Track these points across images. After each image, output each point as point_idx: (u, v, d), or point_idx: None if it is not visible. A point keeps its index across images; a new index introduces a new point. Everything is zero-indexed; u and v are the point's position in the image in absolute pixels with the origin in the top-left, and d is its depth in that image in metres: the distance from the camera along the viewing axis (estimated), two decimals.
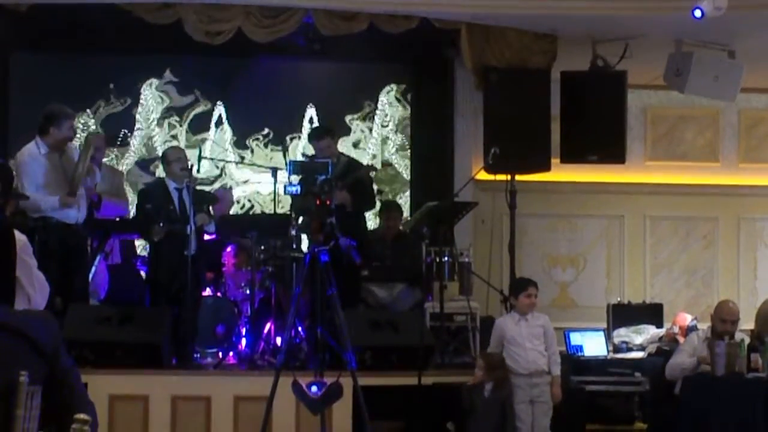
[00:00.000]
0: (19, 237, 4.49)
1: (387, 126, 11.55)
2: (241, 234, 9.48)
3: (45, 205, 8.25)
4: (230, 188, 11.16)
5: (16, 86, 10.78)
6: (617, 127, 9.69)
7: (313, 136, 9.46)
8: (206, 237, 9.21)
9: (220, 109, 11.30)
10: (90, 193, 8.76)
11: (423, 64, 11.21)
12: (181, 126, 11.27)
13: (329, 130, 9.68)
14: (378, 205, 10.28)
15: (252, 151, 11.29)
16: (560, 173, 10.22)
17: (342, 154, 9.78)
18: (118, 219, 9.55)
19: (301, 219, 8.89)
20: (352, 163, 9.58)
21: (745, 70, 9.64)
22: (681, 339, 8.95)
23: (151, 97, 11.22)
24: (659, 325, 9.77)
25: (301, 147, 11.11)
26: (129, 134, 11.17)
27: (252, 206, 11.39)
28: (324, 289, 6.73)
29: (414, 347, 8.28)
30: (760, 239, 11.72)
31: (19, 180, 8.34)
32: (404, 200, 11.35)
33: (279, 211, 10.04)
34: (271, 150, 11.22)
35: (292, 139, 11.27)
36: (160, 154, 9.80)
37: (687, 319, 9.36)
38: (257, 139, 11.30)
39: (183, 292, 8.70)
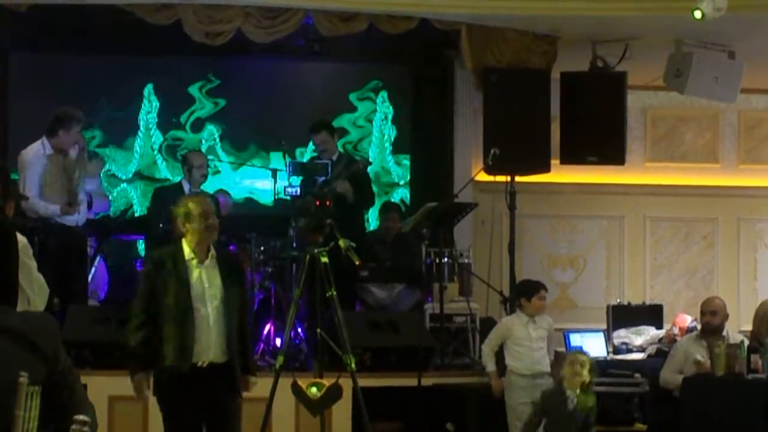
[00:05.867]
0: (19, 238, 4.48)
1: (386, 126, 11.55)
2: (241, 235, 9.48)
3: (46, 212, 8.27)
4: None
5: (16, 86, 10.78)
6: (617, 128, 9.69)
7: (311, 129, 9.52)
8: None
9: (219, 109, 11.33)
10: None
11: (423, 64, 11.21)
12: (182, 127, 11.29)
13: (326, 125, 9.72)
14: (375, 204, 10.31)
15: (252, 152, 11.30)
16: (560, 174, 10.22)
17: (341, 152, 9.79)
18: (112, 218, 9.59)
19: (300, 220, 8.89)
20: (351, 160, 9.60)
21: (745, 70, 9.64)
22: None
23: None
24: (659, 327, 9.77)
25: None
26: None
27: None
28: (323, 290, 6.73)
29: (414, 348, 8.29)
30: (760, 240, 11.72)
31: (22, 180, 8.35)
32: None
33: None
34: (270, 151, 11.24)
35: (291, 141, 11.26)
36: (180, 158, 9.87)
37: (687, 320, 9.36)
38: (257, 139, 11.31)
39: None
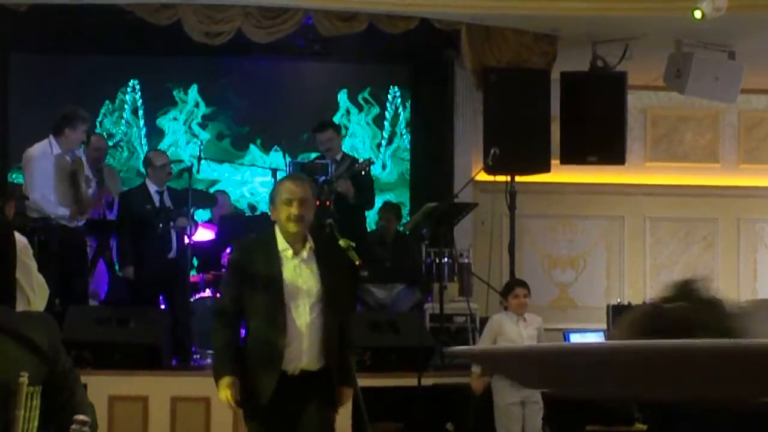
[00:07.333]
0: (20, 239, 4.49)
1: (386, 126, 11.56)
2: (240, 235, 9.48)
3: (54, 214, 8.27)
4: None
5: (16, 86, 10.78)
6: (617, 128, 9.69)
7: (316, 129, 9.52)
8: (197, 239, 9.26)
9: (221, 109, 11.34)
10: (105, 193, 8.81)
11: (423, 64, 11.21)
12: (183, 127, 11.29)
13: (332, 124, 9.74)
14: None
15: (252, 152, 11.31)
16: (560, 174, 10.21)
17: (345, 153, 9.80)
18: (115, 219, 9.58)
19: None
20: (354, 161, 9.61)
21: (745, 71, 9.64)
22: None
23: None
24: None
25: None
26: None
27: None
28: None
29: (414, 348, 8.29)
30: (760, 240, 11.72)
31: (28, 177, 8.37)
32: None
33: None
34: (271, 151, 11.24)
35: (291, 140, 11.26)
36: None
37: None
38: (257, 139, 11.31)
39: (169, 293, 8.83)
